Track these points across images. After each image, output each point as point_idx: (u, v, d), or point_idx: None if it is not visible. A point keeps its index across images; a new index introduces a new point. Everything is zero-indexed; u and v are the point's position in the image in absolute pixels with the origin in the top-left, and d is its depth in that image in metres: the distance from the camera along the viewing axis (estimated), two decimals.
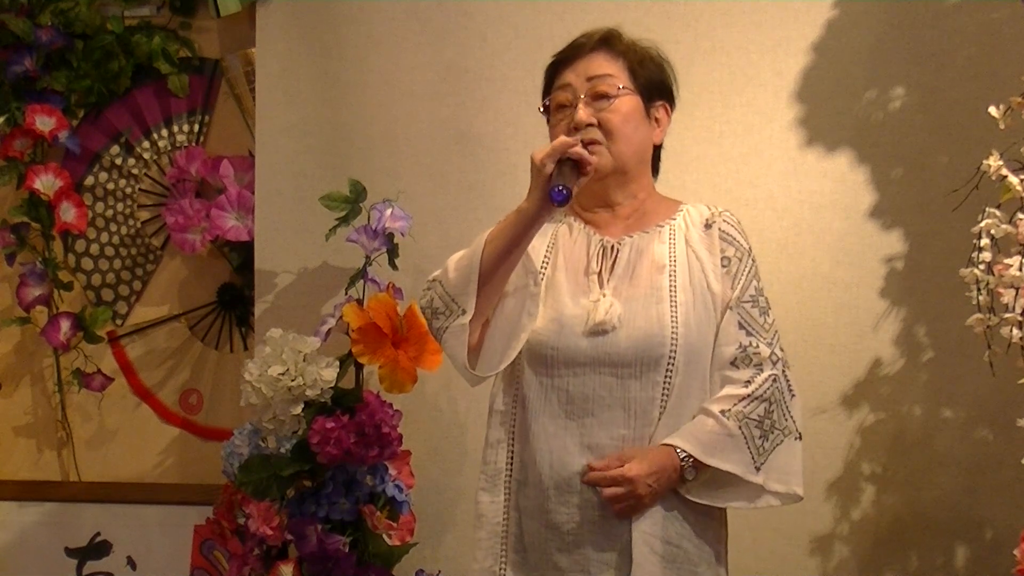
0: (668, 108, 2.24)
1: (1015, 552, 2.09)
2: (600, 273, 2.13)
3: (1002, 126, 2.28)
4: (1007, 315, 2.19)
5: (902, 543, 2.65)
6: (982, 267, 2.23)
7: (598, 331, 2.07)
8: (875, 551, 2.66)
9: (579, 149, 2.02)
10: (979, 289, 2.24)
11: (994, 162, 2.24)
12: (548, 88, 2.23)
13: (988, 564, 2.58)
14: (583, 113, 2.13)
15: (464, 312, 2.07)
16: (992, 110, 2.28)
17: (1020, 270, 2.17)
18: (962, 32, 2.66)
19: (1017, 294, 2.18)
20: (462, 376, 2.14)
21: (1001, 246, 2.24)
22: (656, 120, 2.22)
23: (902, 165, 2.69)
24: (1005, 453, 2.53)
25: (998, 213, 2.24)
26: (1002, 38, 2.63)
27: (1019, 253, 2.19)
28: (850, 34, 2.71)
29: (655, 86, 2.21)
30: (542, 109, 2.23)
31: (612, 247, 2.16)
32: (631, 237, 2.17)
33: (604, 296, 2.10)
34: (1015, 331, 2.18)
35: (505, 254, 2.06)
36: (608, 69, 2.17)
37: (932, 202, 2.61)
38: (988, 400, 2.58)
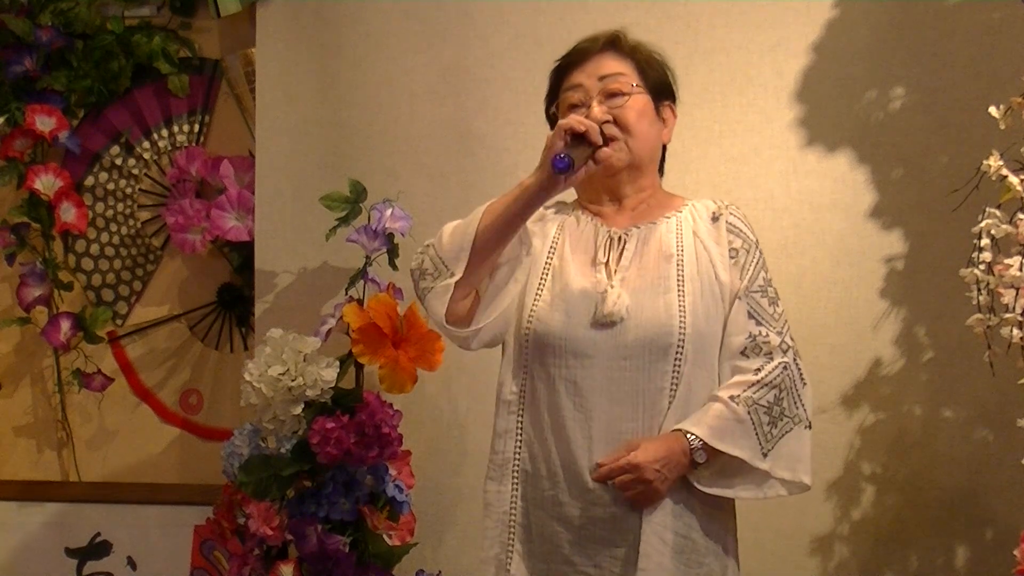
0: (673, 108, 2.28)
1: (1015, 552, 2.09)
2: (608, 263, 2.14)
3: (1002, 126, 2.27)
4: (1007, 315, 2.19)
5: (902, 543, 2.64)
6: (982, 267, 2.23)
7: (606, 322, 2.08)
8: (875, 551, 2.65)
9: (588, 123, 2.02)
10: (979, 289, 2.23)
11: (994, 162, 2.24)
12: (555, 91, 2.24)
13: (988, 564, 2.57)
14: (598, 111, 2.14)
15: (452, 274, 2.10)
16: (992, 110, 2.28)
17: (1020, 270, 2.17)
18: (962, 32, 2.65)
19: (1017, 294, 2.18)
20: (447, 336, 2.18)
21: (1001, 246, 2.24)
22: (664, 120, 2.24)
23: (902, 165, 2.69)
24: (1005, 453, 2.53)
25: (998, 213, 2.23)
26: (1002, 38, 2.63)
27: (1019, 253, 2.19)
28: (850, 34, 2.71)
29: (662, 86, 2.24)
30: (552, 112, 2.23)
31: (619, 238, 2.17)
32: (638, 228, 2.18)
33: (612, 287, 2.10)
34: (1015, 331, 2.18)
35: (502, 227, 2.07)
36: (619, 68, 2.19)
37: (932, 202, 2.61)
38: (988, 400, 2.58)
